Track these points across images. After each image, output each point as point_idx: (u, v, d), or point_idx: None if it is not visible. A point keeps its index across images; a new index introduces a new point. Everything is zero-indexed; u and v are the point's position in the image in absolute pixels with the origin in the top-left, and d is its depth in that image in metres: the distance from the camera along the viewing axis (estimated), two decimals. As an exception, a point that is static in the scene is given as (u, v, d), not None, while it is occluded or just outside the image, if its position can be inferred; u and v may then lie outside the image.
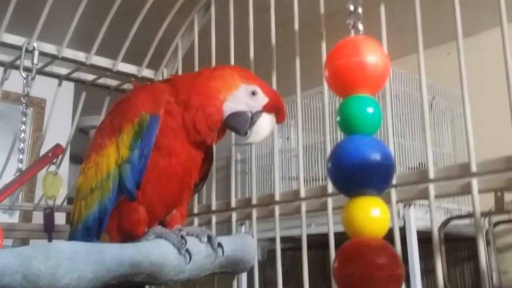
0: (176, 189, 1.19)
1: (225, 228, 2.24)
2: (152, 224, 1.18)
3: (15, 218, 3.21)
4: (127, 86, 1.75)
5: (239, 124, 1.16)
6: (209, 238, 1.17)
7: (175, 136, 1.15)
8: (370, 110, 0.66)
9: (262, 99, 1.16)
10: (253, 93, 1.15)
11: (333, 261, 0.65)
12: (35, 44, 1.44)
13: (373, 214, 0.65)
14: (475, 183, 0.98)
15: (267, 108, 1.16)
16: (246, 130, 1.16)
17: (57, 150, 1.43)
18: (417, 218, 2.31)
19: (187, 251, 1.11)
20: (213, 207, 1.48)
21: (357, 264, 0.63)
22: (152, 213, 1.18)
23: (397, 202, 1.12)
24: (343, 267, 0.64)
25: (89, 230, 1.15)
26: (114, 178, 1.12)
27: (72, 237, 1.19)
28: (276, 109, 1.17)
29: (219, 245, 1.18)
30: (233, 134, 1.37)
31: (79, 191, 1.20)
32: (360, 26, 0.72)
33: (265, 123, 1.17)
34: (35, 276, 0.87)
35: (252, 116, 1.16)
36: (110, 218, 1.15)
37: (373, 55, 0.67)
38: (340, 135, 2.51)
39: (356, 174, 0.64)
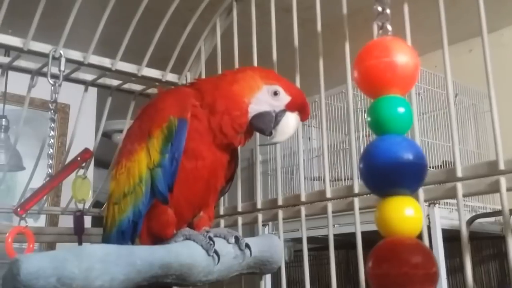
0: (202, 192, 1.21)
1: (249, 229, 2.26)
2: (180, 226, 1.20)
3: (40, 222, 3.26)
4: (151, 90, 1.77)
5: (264, 124, 1.17)
6: (237, 239, 1.18)
7: (201, 139, 1.17)
8: (401, 110, 0.67)
9: (284, 98, 1.17)
10: (275, 93, 1.16)
11: (367, 261, 0.66)
12: (61, 52, 1.47)
13: (407, 213, 0.65)
14: (503, 181, 0.97)
15: (290, 107, 1.17)
16: (271, 130, 1.18)
17: (85, 154, 1.46)
18: (442, 217, 2.30)
19: (216, 252, 1.12)
20: (239, 209, 1.49)
21: (392, 263, 0.63)
22: (179, 215, 1.19)
23: (425, 201, 1.11)
24: (378, 266, 0.64)
25: (124, 234, 1.17)
26: (146, 182, 1.14)
27: (106, 241, 1.20)
28: (299, 107, 1.18)
29: (247, 245, 1.19)
30: (256, 135, 1.37)
31: (112, 197, 1.22)
32: (389, 27, 0.72)
33: (289, 122, 1.18)
34: (69, 278, 0.89)
35: (276, 115, 1.17)
36: (143, 224, 1.17)
37: (403, 56, 0.67)
38: (362, 134, 2.52)
39: (389, 174, 0.64)
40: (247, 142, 1.23)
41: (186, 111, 1.15)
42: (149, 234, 1.19)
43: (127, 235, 1.17)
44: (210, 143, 1.17)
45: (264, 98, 1.16)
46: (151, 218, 1.17)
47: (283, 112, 1.17)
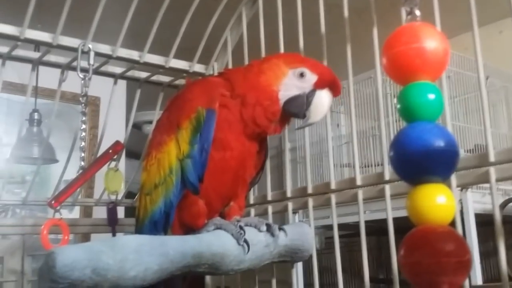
0: (230, 182, 1.21)
1: (279, 217, 2.27)
2: (211, 216, 1.21)
3: (75, 214, 3.34)
4: (179, 81, 1.78)
5: (296, 108, 1.17)
6: (268, 227, 1.19)
7: (230, 130, 1.17)
8: (431, 96, 0.66)
9: (311, 78, 1.16)
10: (301, 75, 1.16)
11: (399, 250, 0.65)
12: (90, 45, 1.48)
13: (439, 201, 0.64)
14: (538, 165, 0.95)
15: (318, 85, 1.16)
16: (304, 112, 1.17)
17: (117, 146, 1.47)
18: (474, 201, 2.26)
19: (245, 241, 1.13)
20: (269, 197, 1.50)
21: (425, 251, 0.62)
22: (209, 205, 1.20)
23: (457, 187, 1.10)
24: (410, 255, 0.64)
25: (156, 224, 1.19)
26: (177, 173, 1.16)
27: (139, 232, 1.23)
28: (328, 83, 1.17)
29: (281, 229, 1.19)
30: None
31: (143, 188, 1.24)
32: (417, 12, 0.71)
33: (321, 100, 1.17)
34: (104, 269, 0.90)
35: (307, 97, 1.17)
36: (175, 214, 1.19)
37: (432, 41, 0.66)
38: (392, 120, 2.49)
39: (421, 161, 0.63)
40: (283, 129, 1.23)
41: (214, 102, 1.16)
42: (181, 225, 1.21)
43: (159, 225, 1.19)
44: (239, 134, 1.18)
45: (291, 83, 1.16)
46: (182, 209, 1.19)
47: (313, 92, 1.17)
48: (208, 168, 1.16)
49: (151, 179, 1.20)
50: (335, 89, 1.18)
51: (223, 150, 1.17)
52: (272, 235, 1.19)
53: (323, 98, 1.17)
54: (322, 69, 1.18)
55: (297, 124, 1.28)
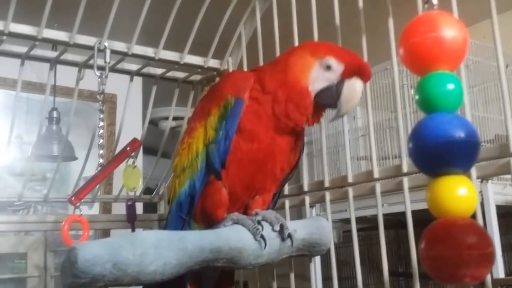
0: (257, 174, 1.21)
1: (296, 211, 2.26)
2: (236, 208, 1.22)
3: (94, 210, 3.37)
4: (194, 77, 1.79)
5: (327, 99, 1.17)
6: (281, 228, 1.19)
7: (260, 122, 1.18)
8: (450, 86, 0.65)
9: (338, 68, 1.14)
10: (328, 66, 1.14)
11: (419, 243, 0.64)
12: (106, 44, 1.49)
13: (460, 193, 0.63)
14: (561, 155, 0.93)
15: (346, 75, 1.14)
16: (336, 103, 1.16)
17: (134, 144, 1.48)
18: (495, 193, 2.23)
19: (262, 237, 1.13)
20: (286, 191, 1.49)
21: (446, 244, 0.62)
22: (234, 195, 1.21)
23: (477, 178, 1.08)
24: (431, 248, 0.63)
25: (181, 206, 1.23)
26: (202, 157, 1.20)
27: (169, 213, 1.28)
28: (355, 71, 1.14)
29: (289, 236, 1.19)
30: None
31: (175, 170, 1.28)
32: (434, 1, 0.70)
33: (350, 90, 1.15)
34: (124, 264, 0.92)
35: (336, 87, 1.15)
36: (198, 200, 1.21)
37: (450, 30, 0.65)
38: (409, 111, 2.47)
39: (441, 153, 0.62)
40: (319, 119, 1.23)
41: (243, 92, 1.18)
42: (202, 214, 1.22)
43: (184, 208, 1.23)
44: (269, 127, 1.18)
45: (319, 75, 1.15)
46: (205, 196, 1.21)
47: (341, 82, 1.14)
48: (235, 157, 1.17)
49: (181, 162, 1.25)
50: (364, 76, 1.15)
51: (251, 141, 1.18)
52: (282, 238, 1.18)
53: (352, 87, 1.15)
54: (349, 57, 1.15)
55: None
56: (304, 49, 1.19)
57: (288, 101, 1.15)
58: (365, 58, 1.28)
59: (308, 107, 1.16)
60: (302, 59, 1.17)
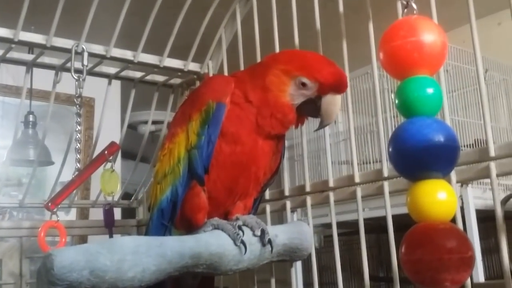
0: (240, 178, 1.20)
1: (276, 216, 2.25)
2: (217, 214, 1.21)
3: (71, 216, 3.32)
4: (174, 81, 1.77)
5: (309, 112, 1.18)
6: (262, 233, 1.18)
7: (242, 126, 1.17)
8: (430, 91, 0.65)
9: (313, 86, 1.14)
10: (303, 84, 1.14)
11: (400, 247, 0.64)
12: (84, 46, 1.47)
13: (439, 197, 0.63)
14: (539, 159, 0.94)
15: (321, 92, 1.14)
16: (318, 115, 1.17)
17: (112, 147, 1.47)
18: (475, 197, 2.25)
19: (242, 242, 1.12)
20: (267, 196, 1.48)
21: (426, 248, 0.61)
22: (215, 200, 1.20)
23: (457, 182, 1.08)
24: (411, 252, 0.63)
25: (163, 213, 1.21)
26: (184, 163, 1.18)
27: (150, 220, 1.26)
28: (330, 88, 1.14)
29: (269, 241, 1.18)
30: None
31: (156, 176, 1.27)
32: (414, 5, 0.70)
33: (329, 104, 1.15)
34: (102, 271, 0.90)
35: (315, 101, 1.16)
36: (180, 206, 1.20)
37: (430, 34, 0.65)
38: (390, 115, 2.48)
39: (420, 157, 0.62)
40: (303, 123, 1.23)
41: (225, 96, 1.18)
42: (182, 219, 1.21)
43: (166, 215, 1.21)
44: (251, 130, 1.18)
45: (296, 92, 1.15)
46: (186, 201, 1.19)
47: (319, 96, 1.15)
48: (218, 161, 1.17)
49: (162, 168, 1.24)
50: (340, 89, 1.15)
51: (234, 144, 1.18)
52: (263, 243, 1.17)
53: (330, 101, 1.15)
54: (322, 74, 1.13)
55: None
56: (278, 67, 1.17)
57: (272, 117, 1.16)
58: (346, 63, 1.29)
59: (292, 120, 1.18)
60: (277, 78, 1.16)
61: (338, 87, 1.14)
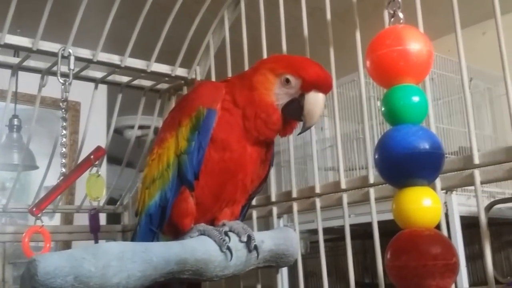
0: (228, 184, 1.20)
1: (263, 222, 2.25)
2: (204, 220, 1.20)
3: (55, 221, 3.29)
4: (161, 86, 1.77)
5: (292, 114, 1.17)
6: (249, 238, 1.18)
7: (232, 132, 1.17)
8: (415, 99, 0.65)
9: (296, 83, 1.14)
10: (287, 81, 1.15)
11: (385, 253, 0.65)
12: (70, 50, 1.47)
13: (424, 204, 0.64)
14: (523, 167, 0.95)
15: (305, 89, 1.14)
16: (301, 117, 1.16)
17: (98, 152, 1.46)
18: (459, 204, 2.27)
19: (228, 248, 1.12)
20: (254, 202, 1.48)
21: (411, 255, 0.62)
22: (203, 206, 1.20)
23: (442, 189, 1.10)
24: (396, 258, 0.63)
25: (151, 218, 1.21)
26: (173, 168, 1.18)
27: (137, 225, 1.25)
28: (313, 85, 1.14)
29: (255, 247, 1.18)
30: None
31: (144, 182, 1.26)
32: (401, 15, 0.71)
33: (311, 103, 1.14)
34: (86, 277, 0.89)
35: (299, 101, 1.15)
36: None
37: (416, 43, 0.66)
38: (376, 122, 2.50)
39: (406, 164, 0.63)
40: (292, 131, 1.23)
41: (215, 102, 1.17)
42: (169, 224, 1.20)
43: (154, 220, 1.21)
44: (241, 137, 1.18)
45: (281, 91, 1.15)
46: (174, 206, 1.19)
47: (302, 96, 1.15)
48: (206, 167, 1.16)
49: (151, 173, 1.23)
50: (323, 88, 1.14)
51: (223, 150, 1.17)
52: (249, 249, 1.17)
53: (312, 100, 1.14)
54: (306, 71, 1.14)
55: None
56: (265, 66, 1.19)
57: (257, 118, 1.16)
58: (333, 70, 1.30)
59: (276, 122, 1.16)
60: (264, 76, 1.17)
61: (321, 85, 1.14)
